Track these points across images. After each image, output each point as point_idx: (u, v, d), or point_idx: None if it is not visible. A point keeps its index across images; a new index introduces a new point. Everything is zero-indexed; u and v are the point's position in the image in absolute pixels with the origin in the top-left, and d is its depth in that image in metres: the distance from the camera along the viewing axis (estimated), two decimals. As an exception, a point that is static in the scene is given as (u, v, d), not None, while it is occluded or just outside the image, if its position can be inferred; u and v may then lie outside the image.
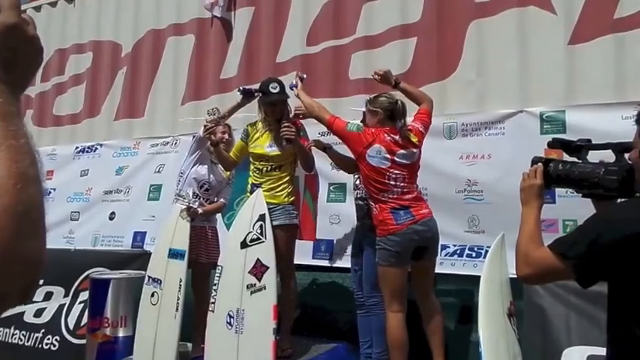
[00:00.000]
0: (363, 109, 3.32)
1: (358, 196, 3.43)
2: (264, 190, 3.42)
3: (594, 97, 3.36)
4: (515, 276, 3.08)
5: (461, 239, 3.55)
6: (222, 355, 3.20)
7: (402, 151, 3.02)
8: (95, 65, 5.80)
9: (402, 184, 2.98)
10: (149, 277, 3.66)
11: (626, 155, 1.56)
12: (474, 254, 3.51)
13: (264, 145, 3.50)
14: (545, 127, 3.46)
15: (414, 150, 3.08)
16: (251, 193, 3.47)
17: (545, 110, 3.48)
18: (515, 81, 3.62)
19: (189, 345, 3.74)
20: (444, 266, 3.49)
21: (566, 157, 1.80)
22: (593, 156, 1.72)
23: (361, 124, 3.15)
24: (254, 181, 3.52)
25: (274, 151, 3.46)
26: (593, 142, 3.13)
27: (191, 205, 3.59)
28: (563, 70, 3.48)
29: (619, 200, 1.56)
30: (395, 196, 2.97)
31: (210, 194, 3.77)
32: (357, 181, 3.41)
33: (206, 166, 3.77)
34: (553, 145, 1.82)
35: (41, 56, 0.72)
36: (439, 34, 3.93)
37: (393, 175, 2.98)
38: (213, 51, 4.98)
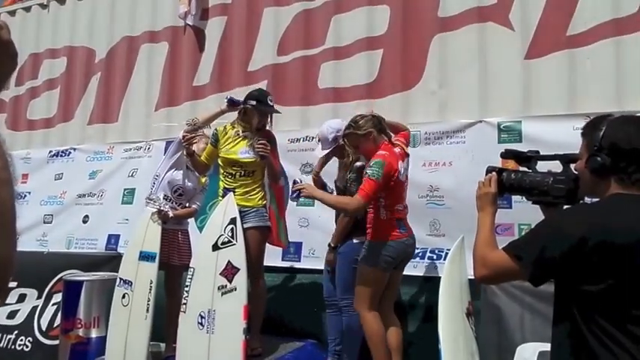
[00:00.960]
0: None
1: None
2: (237, 194, 3.42)
3: (548, 108, 3.48)
4: (473, 277, 3.18)
5: (423, 242, 3.61)
6: (193, 355, 3.19)
7: (404, 164, 3.05)
8: (69, 70, 5.73)
9: (404, 197, 3.04)
10: (120, 278, 3.63)
11: (572, 166, 1.63)
12: (434, 256, 3.59)
13: (237, 151, 3.48)
14: (502, 136, 3.56)
15: (407, 160, 3.11)
16: (223, 197, 3.47)
17: (502, 120, 3.58)
18: (475, 92, 3.72)
19: (162, 345, 3.73)
20: (407, 268, 3.55)
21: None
22: (542, 166, 1.79)
23: (381, 160, 2.87)
24: (227, 186, 3.50)
25: (248, 157, 3.44)
26: (546, 151, 3.26)
27: (162, 208, 3.56)
28: (520, 83, 3.59)
29: (565, 207, 1.63)
30: (402, 208, 3.00)
31: (183, 199, 3.75)
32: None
33: (181, 172, 3.76)
34: (505, 155, 1.88)
35: (15, 60, 0.70)
36: (404, 47, 4.01)
37: (404, 187, 3.03)
38: (186, 58, 4.98)
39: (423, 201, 3.67)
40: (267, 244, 3.55)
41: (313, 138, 4.18)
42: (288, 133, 4.20)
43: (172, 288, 3.71)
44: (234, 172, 3.48)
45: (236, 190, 3.44)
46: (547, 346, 2.74)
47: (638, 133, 1.44)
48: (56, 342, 4.09)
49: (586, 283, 1.39)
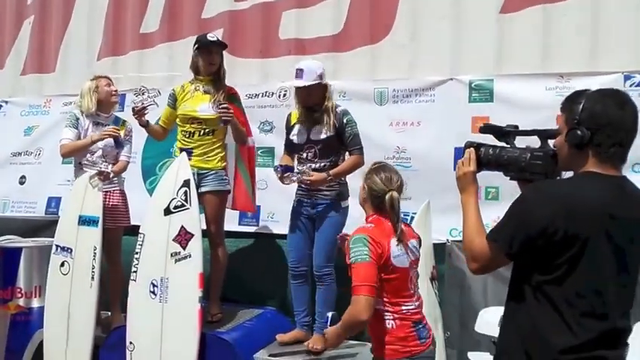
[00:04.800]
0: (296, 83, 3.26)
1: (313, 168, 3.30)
2: (194, 155, 3.47)
3: (521, 67, 3.61)
4: (439, 241, 3.36)
5: (387, 206, 3.75)
6: (145, 325, 3.30)
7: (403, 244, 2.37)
8: (-3, 13, 5.54)
9: (412, 288, 2.40)
10: (57, 245, 3.67)
11: (550, 142, 1.77)
12: (401, 220, 3.75)
13: (195, 106, 3.50)
14: (473, 95, 3.70)
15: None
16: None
17: (474, 79, 3.71)
18: (447, 47, 3.82)
19: (110, 314, 3.85)
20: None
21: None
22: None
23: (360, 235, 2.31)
24: (183, 146, 3.52)
25: (207, 114, 3.47)
26: (516, 111, 3.42)
27: (103, 169, 3.57)
28: (494, 39, 3.70)
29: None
30: (414, 307, 2.37)
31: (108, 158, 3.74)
32: (309, 155, 3.34)
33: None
34: (484, 131, 1.98)
35: None
36: (373, -5, 4.04)
37: (409, 276, 2.38)
38: (131, 2, 4.88)
39: (389, 162, 3.79)
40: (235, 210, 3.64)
41: (273, 93, 4.24)
42: (246, 88, 4.21)
43: (110, 254, 3.79)
44: (192, 131, 3.50)
45: (194, 150, 3.48)
46: (509, 310, 2.99)
47: (615, 106, 1.59)
48: (-5, 312, 4.14)
49: (545, 263, 1.58)
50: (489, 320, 3.05)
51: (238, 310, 3.76)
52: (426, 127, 3.79)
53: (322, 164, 3.30)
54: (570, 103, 1.66)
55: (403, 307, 2.31)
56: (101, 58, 4.99)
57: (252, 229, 4.20)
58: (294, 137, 3.40)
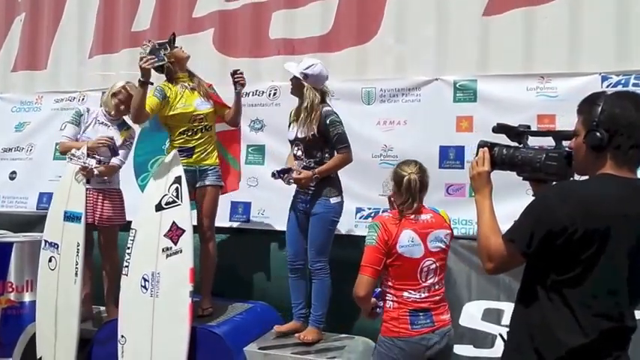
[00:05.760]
0: None
1: (303, 166, 3.39)
2: (197, 152, 3.54)
3: (504, 67, 3.70)
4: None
5: (375, 202, 3.83)
6: (137, 319, 3.33)
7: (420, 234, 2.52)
8: (-13, 10, 5.54)
9: (422, 278, 2.51)
10: (45, 241, 3.69)
11: (565, 143, 1.79)
12: (386, 217, 3.81)
13: (193, 103, 3.55)
14: (457, 95, 3.78)
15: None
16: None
17: (458, 79, 3.79)
18: (433, 48, 3.90)
19: (104, 309, 3.88)
20: (359, 229, 3.81)
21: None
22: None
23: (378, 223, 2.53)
24: (187, 144, 3.54)
25: (207, 108, 3.58)
26: (499, 111, 3.47)
27: (87, 164, 3.57)
28: (477, 40, 3.79)
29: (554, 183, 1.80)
30: (419, 296, 2.50)
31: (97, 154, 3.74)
32: (299, 152, 3.40)
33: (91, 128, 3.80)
34: (497, 130, 1.94)
35: None
36: (361, -3, 4.11)
37: (418, 266, 2.49)
38: (123, 0, 4.90)
39: (376, 160, 3.87)
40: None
41: (263, 92, 4.29)
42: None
43: (106, 250, 3.82)
44: (194, 128, 3.54)
45: (196, 147, 3.54)
46: (492, 304, 3.11)
47: (632, 108, 1.59)
48: (-14, 306, 4.14)
49: (562, 263, 1.58)
50: (473, 314, 3.14)
51: (229, 304, 3.79)
52: (412, 126, 3.86)
53: (309, 162, 3.36)
54: (588, 105, 1.65)
55: (405, 294, 2.47)
56: (93, 55, 5.00)
57: (242, 225, 4.25)
58: (288, 133, 3.48)
